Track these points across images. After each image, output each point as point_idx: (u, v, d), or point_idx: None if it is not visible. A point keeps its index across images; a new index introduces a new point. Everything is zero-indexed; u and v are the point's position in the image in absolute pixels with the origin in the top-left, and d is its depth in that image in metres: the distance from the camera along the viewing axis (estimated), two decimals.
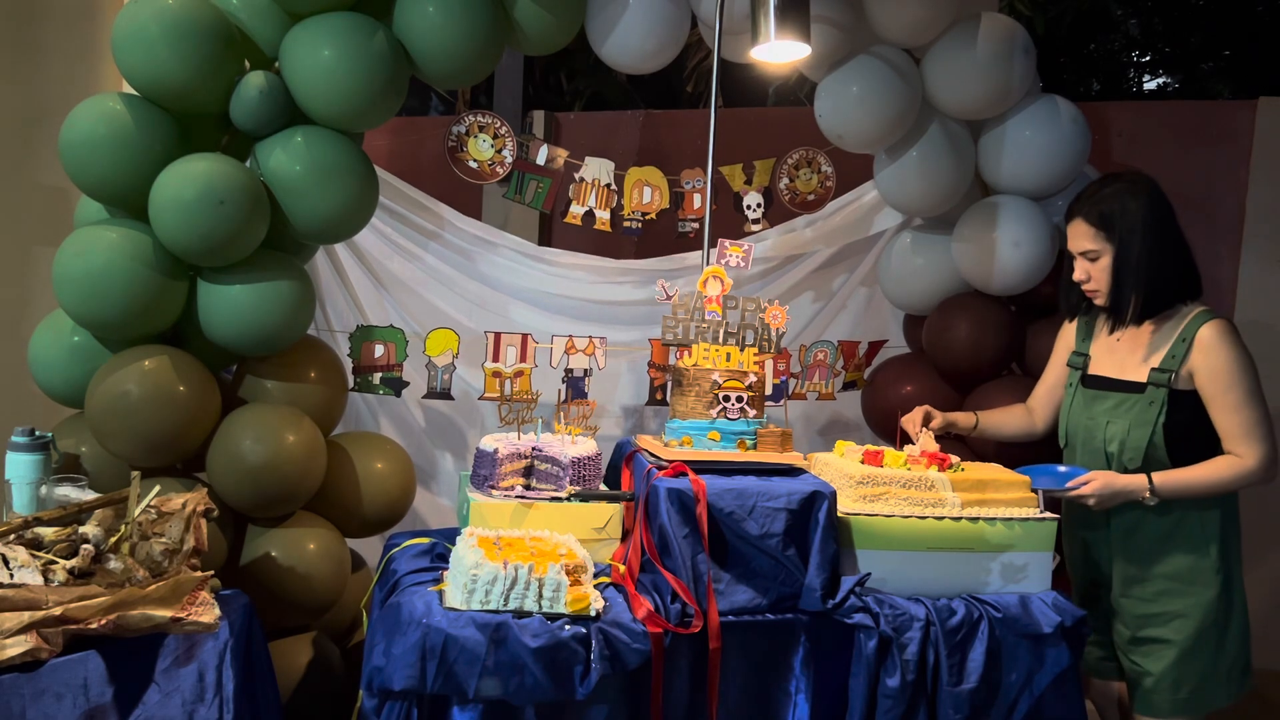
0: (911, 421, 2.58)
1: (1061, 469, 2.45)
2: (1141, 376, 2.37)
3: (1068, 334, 2.62)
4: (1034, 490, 2.33)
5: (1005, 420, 2.72)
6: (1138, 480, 2.32)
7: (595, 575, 2.12)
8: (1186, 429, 2.32)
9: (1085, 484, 2.33)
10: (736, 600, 2.13)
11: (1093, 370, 2.49)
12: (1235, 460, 2.30)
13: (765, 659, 2.13)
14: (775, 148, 3.44)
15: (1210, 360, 2.29)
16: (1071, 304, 2.55)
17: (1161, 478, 2.32)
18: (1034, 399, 2.72)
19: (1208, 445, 2.33)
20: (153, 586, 1.82)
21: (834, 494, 2.19)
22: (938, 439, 2.56)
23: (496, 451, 2.28)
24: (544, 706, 1.95)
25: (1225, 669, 2.36)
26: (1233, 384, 2.28)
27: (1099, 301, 2.44)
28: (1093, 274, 2.41)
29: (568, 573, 1.99)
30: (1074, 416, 2.51)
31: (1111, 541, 2.43)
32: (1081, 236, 2.41)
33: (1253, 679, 2.41)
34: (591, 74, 6.98)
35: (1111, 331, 2.47)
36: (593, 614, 1.99)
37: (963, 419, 2.68)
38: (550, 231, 4.13)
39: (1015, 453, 2.91)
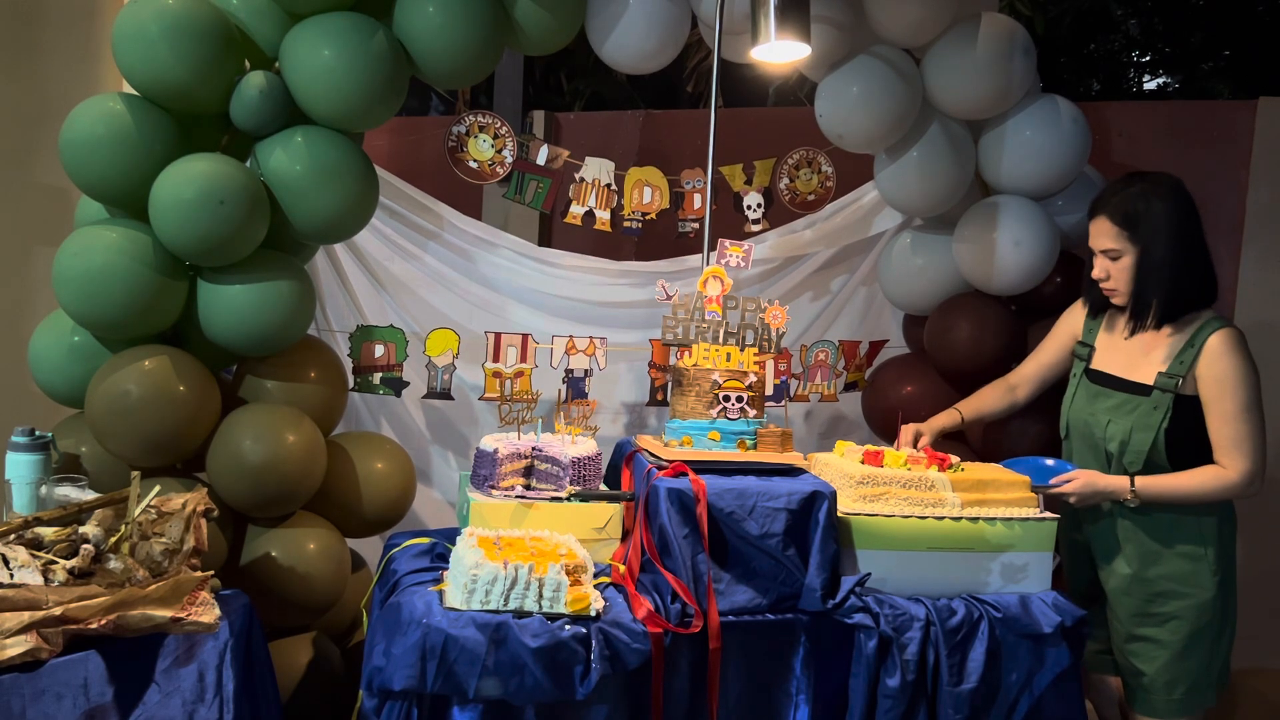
0: (904, 446, 2.57)
1: (1049, 463, 2.45)
2: (1148, 379, 2.35)
3: (1074, 319, 2.59)
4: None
5: (986, 403, 2.71)
6: (1120, 481, 2.33)
7: (595, 575, 2.12)
8: (1189, 435, 2.31)
9: (1068, 482, 2.34)
10: (736, 600, 2.13)
11: (1097, 365, 2.48)
12: (1220, 471, 2.29)
13: (765, 659, 2.13)
14: (775, 148, 3.44)
15: (1213, 368, 2.28)
16: (1095, 299, 2.51)
17: (1144, 481, 2.32)
18: (1020, 374, 2.70)
19: (1209, 452, 2.32)
20: (153, 586, 1.82)
21: (834, 494, 2.19)
22: (939, 440, 2.57)
23: (496, 451, 2.28)
24: (544, 706, 1.95)
25: (1216, 670, 2.37)
26: (1229, 393, 2.27)
27: (1117, 300, 2.42)
28: (1112, 272, 2.39)
29: (568, 573, 1.99)
30: (1075, 409, 2.50)
31: (1109, 540, 2.43)
32: (1103, 234, 2.38)
33: (1229, 677, 2.42)
34: (591, 74, 6.98)
35: (1132, 334, 2.42)
36: (593, 614, 1.99)
37: (946, 419, 2.67)
38: (550, 232, 4.12)
39: (1011, 443, 2.92)
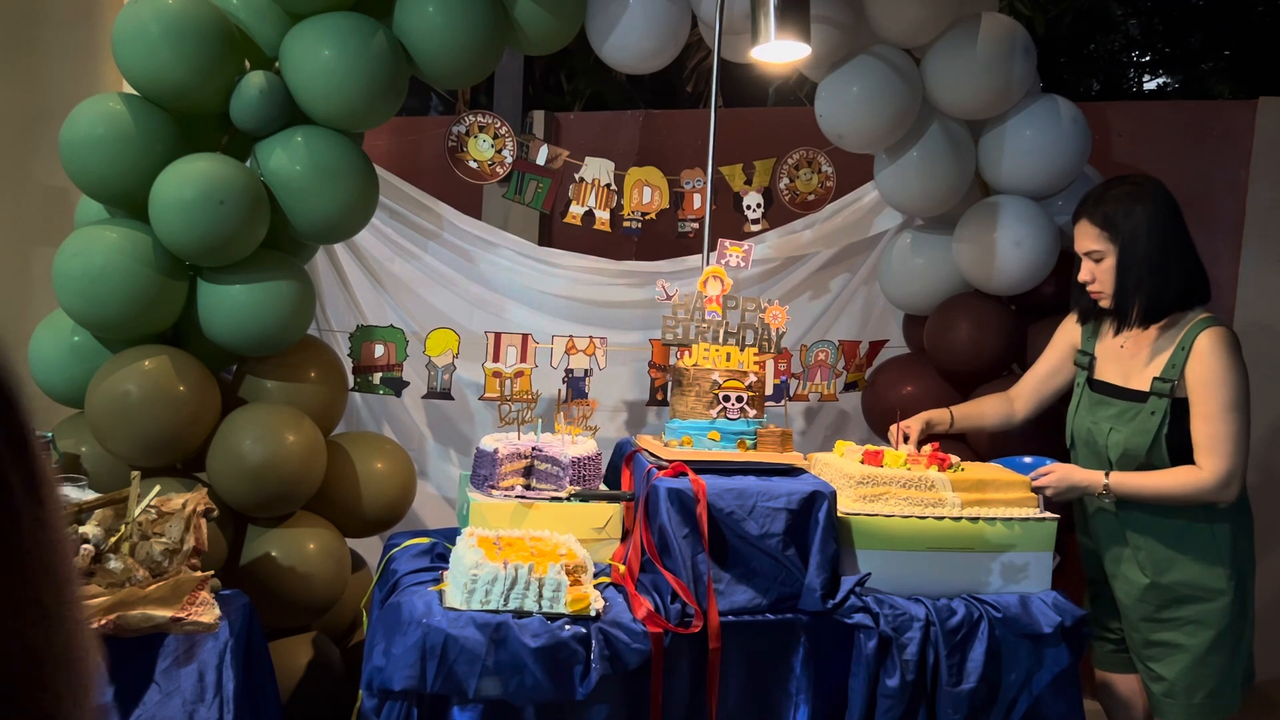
0: (899, 445, 2.60)
1: (1027, 460, 2.45)
2: (1144, 385, 2.35)
3: (1070, 330, 2.60)
4: None
5: (983, 412, 2.71)
6: (1095, 476, 2.32)
7: (595, 575, 2.12)
8: (1188, 438, 2.29)
9: (1045, 474, 2.33)
10: (736, 600, 2.13)
11: (1098, 374, 2.47)
12: (1194, 471, 2.26)
13: (765, 659, 2.13)
14: (775, 148, 3.44)
15: (1198, 368, 2.26)
16: (1085, 306, 2.52)
17: (1118, 477, 2.31)
18: (1021, 387, 2.69)
19: None
20: (153, 586, 1.82)
21: (834, 494, 2.19)
22: (936, 439, 2.57)
23: (496, 451, 2.28)
24: (544, 706, 1.96)
25: (1239, 674, 2.35)
26: (1212, 393, 2.25)
27: (1104, 303, 2.43)
28: (1097, 275, 2.40)
29: (568, 573, 1.99)
30: (1079, 419, 2.49)
31: (1119, 547, 2.41)
32: (1085, 237, 2.40)
33: (1253, 682, 2.39)
34: (591, 74, 6.98)
35: (1116, 334, 2.44)
36: (593, 614, 1.99)
37: (937, 415, 2.66)
38: (550, 231, 4.12)
39: (1014, 449, 2.91)
